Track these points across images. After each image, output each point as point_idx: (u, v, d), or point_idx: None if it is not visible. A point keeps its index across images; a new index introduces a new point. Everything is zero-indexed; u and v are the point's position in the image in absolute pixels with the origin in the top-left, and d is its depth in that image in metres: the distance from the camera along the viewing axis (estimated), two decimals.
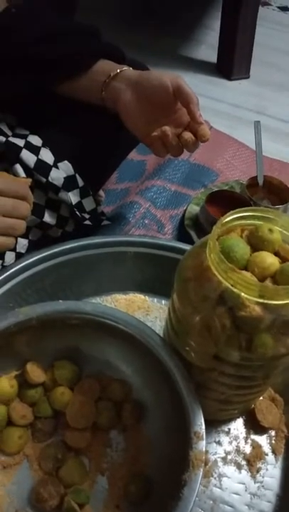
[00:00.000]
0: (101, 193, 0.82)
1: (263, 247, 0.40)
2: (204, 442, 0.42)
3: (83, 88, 0.63)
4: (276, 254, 0.40)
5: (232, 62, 1.29)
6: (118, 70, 0.62)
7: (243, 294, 0.36)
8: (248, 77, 1.34)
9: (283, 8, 1.76)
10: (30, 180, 0.56)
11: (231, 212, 0.40)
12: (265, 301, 0.36)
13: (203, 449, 0.42)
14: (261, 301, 0.36)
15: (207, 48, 1.43)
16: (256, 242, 0.40)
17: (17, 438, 0.49)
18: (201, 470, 0.41)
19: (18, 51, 0.59)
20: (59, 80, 0.63)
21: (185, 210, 0.83)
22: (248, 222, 0.41)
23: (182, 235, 0.80)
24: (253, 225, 0.41)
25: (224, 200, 0.77)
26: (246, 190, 0.79)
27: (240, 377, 0.43)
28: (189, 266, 0.42)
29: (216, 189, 0.83)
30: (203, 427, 0.43)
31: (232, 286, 0.36)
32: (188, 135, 0.60)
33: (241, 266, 0.38)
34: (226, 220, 0.40)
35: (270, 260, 0.38)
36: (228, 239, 0.39)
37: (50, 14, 0.65)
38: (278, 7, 1.76)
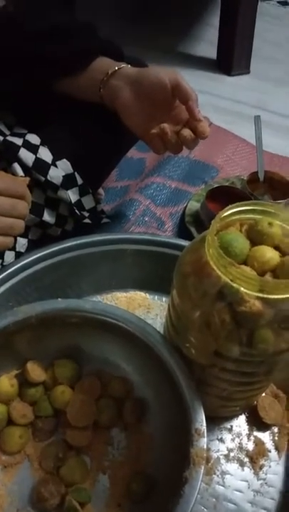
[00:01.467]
0: (100, 191, 0.81)
1: (262, 242, 0.39)
2: (205, 439, 0.42)
3: (82, 86, 0.63)
4: (276, 248, 0.39)
5: (232, 58, 1.29)
6: (116, 68, 0.61)
7: (242, 288, 0.36)
8: (248, 73, 1.34)
9: (283, 3, 1.75)
10: (28, 179, 0.56)
11: (230, 206, 0.40)
12: (265, 296, 0.35)
13: (204, 446, 0.41)
14: (261, 295, 0.35)
15: (206, 44, 1.43)
16: (256, 237, 0.39)
17: (18, 437, 0.49)
18: (202, 467, 0.40)
19: (16, 49, 0.59)
20: (57, 78, 0.63)
21: (185, 207, 0.83)
22: (247, 216, 0.41)
23: (182, 232, 0.80)
24: (253, 219, 0.40)
25: (225, 196, 0.76)
26: (247, 185, 0.78)
27: (242, 374, 0.43)
28: (188, 261, 0.41)
29: (217, 185, 0.83)
30: (204, 423, 0.42)
31: (231, 281, 0.36)
32: (187, 132, 0.60)
33: (241, 260, 0.38)
34: (225, 214, 0.39)
35: (269, 254, 0.38)
36: (227, 234, 0.39)
37: (49, 12, 0.65)
38: (278, 2, 1.75)
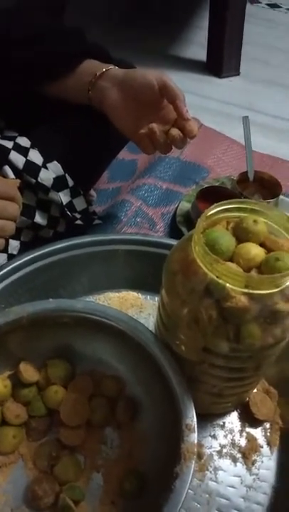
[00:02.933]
0: (92, 192, 0.82)
1: (248, 239, 0.40)
2: (196, 435, 0.42)
3: (70, 88, 0.64)
4: (261, 245, 0.40)
5: (221, 60, 1.30)
6: (104, 70, 0.62)
7: (228, 284, 0.36)
8: (238, 74, 1.35)
9: (272, 6, 1.77)
10: (18, 181, 0.56)
11: (216, 204, 0.40)
12: (251, 291, 0.36)
13: (195, 441, 0.42)
14: (246, 291, 0.36)
15: (196, 46, 1.44)
16: (241, 234, 0.40)
17: (11, 437, 0.49)
18: (193, 462, 0.41)
19: (4, 52, 0.60)
20: (45, 81, 0.63)
21: (177, 208, 0.84)
22: (234, 214, 0.41)
23: (174, 232, 0.80)
24: (238, 217, 0.41)
25: (215, 196, 0.76)
26: (237, 185, 0.79)
27: (231, 369, 0.43)
28: (176, 259, 0.42)
29: (207, 185, 0.84)
30: (195, 419, 0.43)
31: (217, 277, 0.37)
32: (175, 131, 0.61)
33: (227, 258, 0.39)
34: (211, 212, 0.40)
35: (255, 251, 0.38)
36: (213, 231, 0.40)
37: (37, 15, 0.65)
38: (267, 4, 1.77)
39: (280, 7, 1.76)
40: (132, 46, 1.38)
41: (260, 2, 1.78)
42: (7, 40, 0.60)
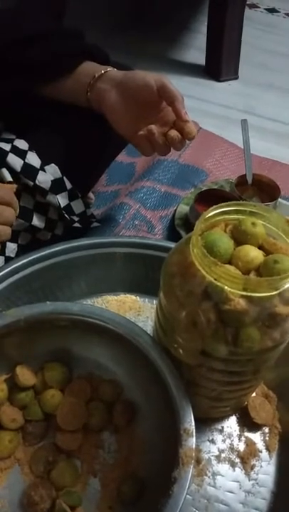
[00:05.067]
0: (91, 195, 0.82)
1: (246, 241, 0.39)
2: (194, 439, 0.42)
3: (68, 90, 0.64)
4: (260, 247, 0.40)
5: (220, 64, 1.30)
6: (102, 71, 0.62)
7: (226, 287, 0.36)
8: (237, 78, 1.35)
9: (270, 10, 1.78)
10: (15, 186, 0.56)
11: (214, 207, 0.40)
12: (249, 294, 0.36)
13: (193, 446, 0.41)
14: (245, 293, 0.36)
15: (195, 50, 1.44)
16: (240, 236, 0.40)
17: (8, 442, 0.49)
18: (191, 467, 0.40)
19: (2, 53, 0.59)
20: (43, 82, 0.63)
21: (175, 210, 0.83)
22: (232, 216, 0.41)
23: (172, 235, 0.80)
24: (237, 219, 0.41)
25: (213, 199, 0.76)
26: (235, 188, 0.79)
27: (230, 373, 0.43)
28: (174, 262, 0.42)
29: (205, 188, 0.83)
30: (193, 423, 0.42)
31: (215, 280, 0.36)
32: (174, 133, 0.61)
33: (225, 260, 0.38)
34: (209, 215, 0.40)
35: (253, 254, 0.38)
36: (212, 234, 0.39)
37: (35, 17, 0.65)
38: (265, 9, 1.78)
39: (279, 12, 1.77)
40: (131, 50, 1.38)
41: (258, 7, 1.78)
42: (6, 41, 0.60)
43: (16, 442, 0.49)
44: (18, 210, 0.55)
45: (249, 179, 0.80)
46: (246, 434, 0.54)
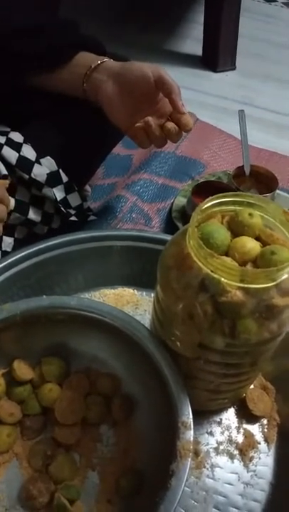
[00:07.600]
0: (87, 188, 0.81)
1: (243, 232, 0.39)
2: (192, 432, 0.41)
3: (65, 81, 0.63)
4: (257, 239, 0.40)
5: (217, 55, 1.29)
6: (99, 62, 0.61)
7: (223, 279, 0.36)
8: (234, 69, 1.34)
9: (268, 0, 1.76)
10: (7, 182, 0.55)
11: (210, 198, 0.40)
12: (246, 286, 0.35)
13: (191, 439, 0.41)
14: (242, 285, 0.35)
15: (192, 41, 1.43)
16: (237, 228, 0.39)
17: (6, 436, 0.48)
18: (189, 460, 0.40)
19: None
20: (39, 73, 0.63)
21: (172, 203, 0.83)
22: (229, 208, 0.41)
23: (170, 227, 0.79)
24: (233, 210, 0.41)
25: (211, 191, 0.75)
26: (233, 180, 0.78)
27: (227, 365, 0.43)
28: (171, 254, 0.41)
29: (203, 180, 0.83)
30: (191, 416, 0.42)
31: (212, 272, 0.36)
32: (171, 125, 0.60)
33: (222, 252, 0.38)
34: (205, 206, 0.39)
35: (250, 245, 0.38)
36: (208, 225, 0.39)
37: (31, 8, 0.64)
38: None
39: (276, 1, 1.75)
40: (127, 41, 1.37)
41: None
42: (0, 33, 0.59)
43: (14, 436, 0.49)
44: (10, 206, 0.54)
45: (247, 170, 0.80)
46: (245, 426, 0.54)
